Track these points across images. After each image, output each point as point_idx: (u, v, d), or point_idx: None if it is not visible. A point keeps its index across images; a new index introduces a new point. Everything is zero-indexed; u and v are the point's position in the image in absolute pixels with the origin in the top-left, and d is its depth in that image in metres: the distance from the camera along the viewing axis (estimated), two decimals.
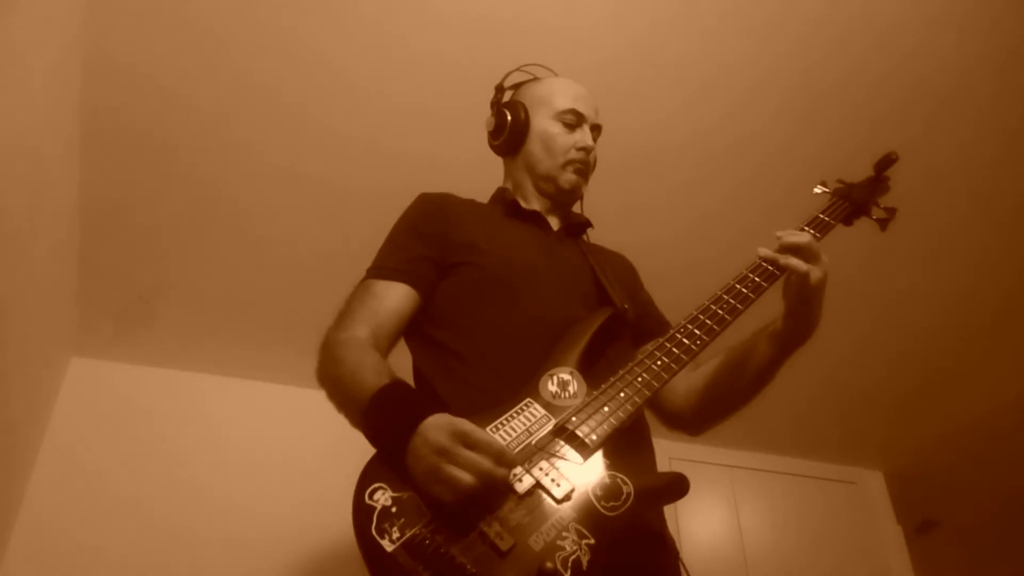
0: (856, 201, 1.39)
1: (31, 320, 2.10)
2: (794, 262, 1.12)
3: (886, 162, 1.40)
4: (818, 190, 1.43)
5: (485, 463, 0.88)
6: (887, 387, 3.24)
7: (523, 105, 1.47)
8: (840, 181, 1.44)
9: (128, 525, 2.45)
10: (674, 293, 1.49)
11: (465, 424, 0.91)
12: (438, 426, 0.92)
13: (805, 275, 1.10)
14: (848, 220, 1.40)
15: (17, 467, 2.33)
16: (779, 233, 1.16)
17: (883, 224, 1.42)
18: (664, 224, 2.57)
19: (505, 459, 0.90)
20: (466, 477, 0.86)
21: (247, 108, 2.18)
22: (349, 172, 2.34)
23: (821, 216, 1.33)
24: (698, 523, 3.17)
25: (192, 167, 2.28)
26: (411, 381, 1.25)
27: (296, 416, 2.73)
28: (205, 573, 2.45)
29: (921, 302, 2.90)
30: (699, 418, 1.33)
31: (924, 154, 2.34)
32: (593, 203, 1.54)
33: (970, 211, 2.62)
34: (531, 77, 1.55)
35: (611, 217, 1.63)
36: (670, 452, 2.99)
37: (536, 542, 0.87)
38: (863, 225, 1.43)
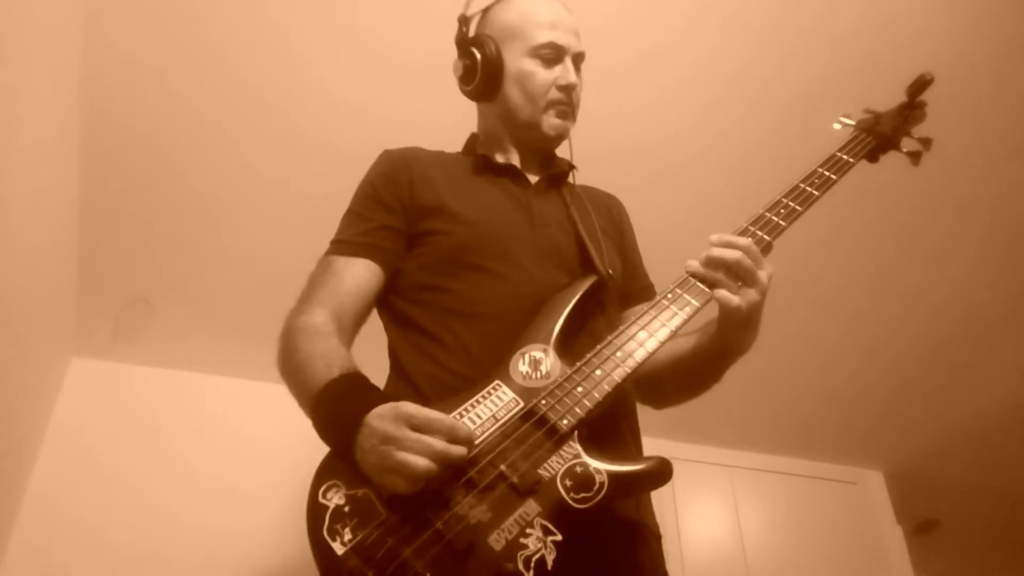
0: (883, 133, 1.20)
1: (31, 320, 2.07)
2: (722, 294, 0.94)
3: (920, 84, 1.20)
4: (839, 125, 1.24)
5: (437, 443, 0.77)
6: (888, 387, 3.17)
7: (493, 40, 1.22)
8: (868, 111, 1.25)
9: (128, 525, 2.39)
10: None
11: (409, 406, 0.81)
12: (382, 415, 0.82)
13: (736, 307, 0.94)
14: (873, 156, 1.22)
15: (18, 467, 2.29)
16: (712, 238, 0.98)
17: (915, 158, 1.22)
18: (654, 210, 2.54)
19: (459, 434, 0.79)
20: (419, 461, 0.76)
21: (246, 109, 2.14)
22: (350, 173, 2.32)
23: (838, 154, 1.15)
24: (698, 523, 3.13)
25: (192, 167, 2.24)
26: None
27: (297, 416, 2.71)
28: (205, 572, 2.42)
29: (923, 302, 2.83)
30: (651, 398, 1.18)
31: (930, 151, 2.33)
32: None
33: (972, 213, 2.56)
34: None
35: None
36: (669, 451, 2.95)
37: (497, 541, 0.77)
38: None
